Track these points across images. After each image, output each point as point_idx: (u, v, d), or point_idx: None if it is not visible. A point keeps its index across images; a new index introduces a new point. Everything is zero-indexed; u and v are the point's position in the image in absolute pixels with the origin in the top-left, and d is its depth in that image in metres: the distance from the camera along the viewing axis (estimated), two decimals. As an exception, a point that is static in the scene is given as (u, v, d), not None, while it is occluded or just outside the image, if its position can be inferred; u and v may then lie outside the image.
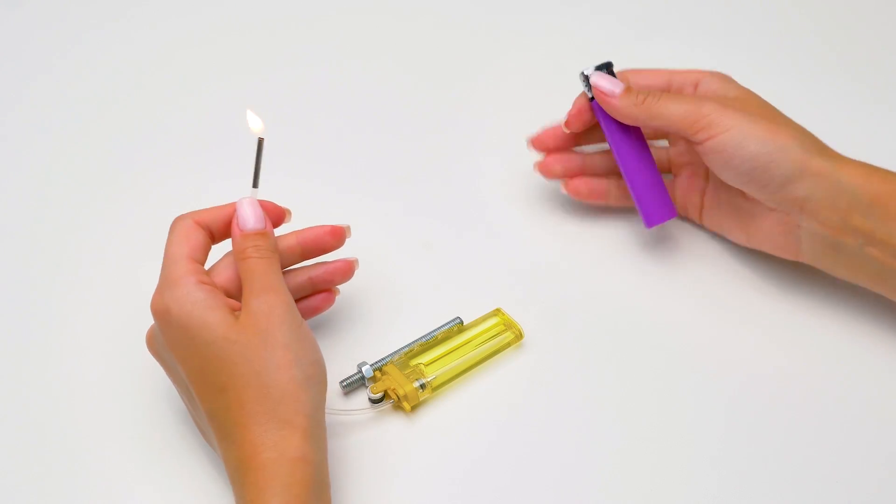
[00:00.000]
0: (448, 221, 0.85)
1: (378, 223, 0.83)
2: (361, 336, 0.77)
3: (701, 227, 0.82)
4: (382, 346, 0.76)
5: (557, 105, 0.81)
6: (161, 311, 0.66)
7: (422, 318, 0.77)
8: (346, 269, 0.74)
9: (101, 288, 0.81)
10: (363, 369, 0.74)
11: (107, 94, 0.95)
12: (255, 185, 0.70)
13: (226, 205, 0.70)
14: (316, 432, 0.65)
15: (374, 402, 0.73)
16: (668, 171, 0.82)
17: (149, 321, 0.69)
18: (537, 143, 0.82)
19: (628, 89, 0.76)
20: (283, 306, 0.66)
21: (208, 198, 0.85)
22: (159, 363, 0.70)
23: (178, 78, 0.96)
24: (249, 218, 0.69)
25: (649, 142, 0.80)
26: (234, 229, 0.69)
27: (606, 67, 0.78)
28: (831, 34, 1.00)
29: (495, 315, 0.77)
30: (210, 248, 0.70)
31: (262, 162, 0.70)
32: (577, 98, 0.79)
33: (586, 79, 0.78)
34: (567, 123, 0.80)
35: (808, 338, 0.76)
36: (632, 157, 0.78)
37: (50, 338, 0.78)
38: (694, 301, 0.79)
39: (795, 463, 0.71)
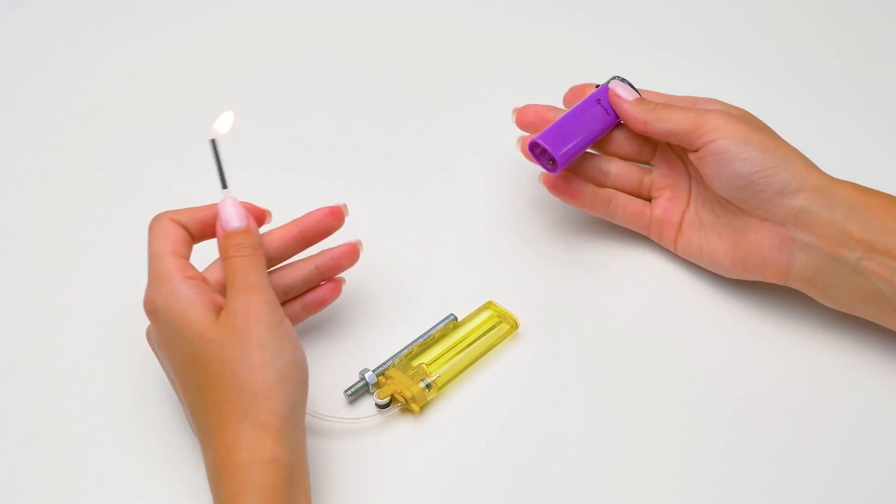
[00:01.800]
0: (437, 220, 0.85)
1: (370, 222, 0.83)
2: (357, 340, 0.77)
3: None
4: (378, 348, 0.76)
5: (557, 104, 0.81)
6: (150, 307, 0.67)
7: (414, 318, 0.77)
8: (352, 252, 0.74)
9: (97, 286, 0.81)
10: (366, 376, 0.74)
11: (106, 94, 0.95)
12: (223, 185, 0.70)
13: (203, 206, 0.71)
14: (290, 434, 0.65)
15: (381, 407, 0.73)
16: (649, 196, 0.80)
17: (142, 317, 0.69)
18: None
19: (641, 99, 0.78)
20: (261, 305, 0.66)
21: (207, 196, 0.86)
22: (157, 358, 0.70)
23: (177, 78, 0.96)
24: (232, 217, 0.69)
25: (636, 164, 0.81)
26: (218, 230, 0.70)
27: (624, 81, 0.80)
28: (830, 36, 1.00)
29: (488, 308, 0.78)
30: (192, 245, 0.70)
31: (222, 163, 0.70)
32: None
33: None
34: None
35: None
36: (585, 120, 0.78)
37: (45, 335, 0.78)
38: (689, 283, 0.80)
39: (799, 444, 0.72)
